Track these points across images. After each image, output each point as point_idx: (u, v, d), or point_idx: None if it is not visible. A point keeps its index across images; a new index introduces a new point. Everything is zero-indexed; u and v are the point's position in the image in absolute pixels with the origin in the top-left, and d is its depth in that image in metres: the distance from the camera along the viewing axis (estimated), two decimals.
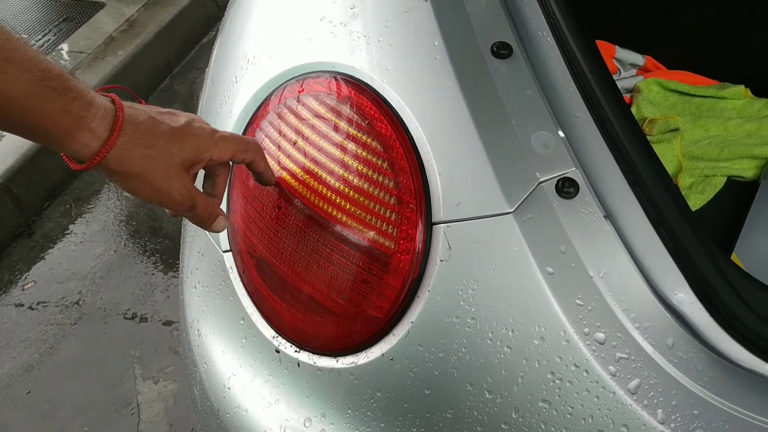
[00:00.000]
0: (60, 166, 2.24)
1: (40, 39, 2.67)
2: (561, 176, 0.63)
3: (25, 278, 2.01)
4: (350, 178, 0.67)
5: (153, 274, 2.00)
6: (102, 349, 1.80)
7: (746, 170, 1.24)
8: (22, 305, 1.93)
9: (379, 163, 0.67)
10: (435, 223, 0.64)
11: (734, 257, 1.09)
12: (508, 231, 0.61)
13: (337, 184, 0.68)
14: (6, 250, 2.10)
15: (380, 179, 0.66)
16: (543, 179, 0.63)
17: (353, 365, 0.68)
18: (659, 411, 0.57)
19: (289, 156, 0.72)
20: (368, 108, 0.69)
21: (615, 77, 1.46)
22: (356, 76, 0.72)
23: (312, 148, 0.70)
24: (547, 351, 0.60)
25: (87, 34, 2.71)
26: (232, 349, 0.76)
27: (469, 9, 0.73)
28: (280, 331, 0.74)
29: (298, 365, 0.72)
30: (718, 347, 0.60)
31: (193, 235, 0.87)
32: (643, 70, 1.48)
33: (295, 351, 0.73)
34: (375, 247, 0.66)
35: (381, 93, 0.70)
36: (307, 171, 0.70)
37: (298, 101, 0.73)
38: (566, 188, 0.62)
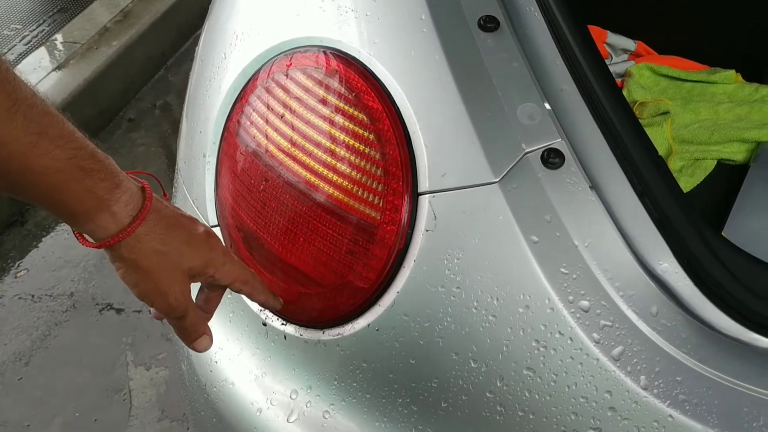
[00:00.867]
0: None
1: (34, 29, 2.66)
2: (546, 147, 0.63)
3: (18, 266, 2.00)
4: (337, 150, 0.67)
5: None
6: (94, 337, 1.80)
7: (736, 154, 1.24)
8: (15, 293, 1.92)
9: (366, 134, 0.67)
10: (421, 194, 0.64)
11: None
12: (494, 200, 0.62)
13: (324, 156, 0.68)
14: None
15: (367, 151, 0.67)
16: (528, 150, 0.63)
17: (339, 336, 0.68)
18: (642, 377, 0.58)
19: (276, 129, 0.71)
20: (356, 81, 0.69)
21: (606, 62, 1.46)
22: (344, 50, 0.71)
23: (299, 121, 0.70)
24: (532, 319, 0.60)
25: (81, 25, 2.70)
26: (219, 323, 0.76)
27: None
28: None
29: (285, 338, 0.72)
30: (701, 315, 0.60)
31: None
32: (635, 55, 1.48)
33: (282, 324, 0.73)
34: (361, 218, 0.66)
35: (369, 66, 0.70)
36: (295, 143, 0.70)
37: (286, 75, 0.73)
38: (552, 159, 0.63)
